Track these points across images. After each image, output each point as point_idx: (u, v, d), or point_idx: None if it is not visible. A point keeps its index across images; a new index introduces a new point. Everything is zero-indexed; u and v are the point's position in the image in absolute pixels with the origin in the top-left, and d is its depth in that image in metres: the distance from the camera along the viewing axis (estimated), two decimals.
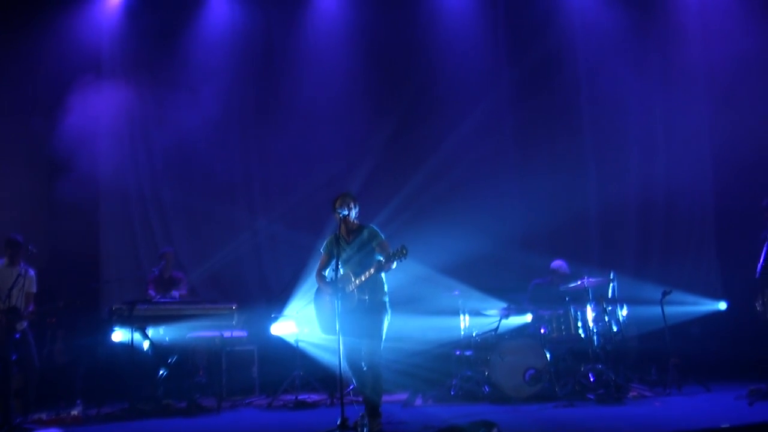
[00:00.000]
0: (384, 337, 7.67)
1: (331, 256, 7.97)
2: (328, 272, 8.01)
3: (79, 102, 12.59)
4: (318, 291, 8.09)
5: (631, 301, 10.41)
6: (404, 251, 7.17)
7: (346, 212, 7.82)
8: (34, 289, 9.83)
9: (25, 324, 9.54)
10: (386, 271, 7.50)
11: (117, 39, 13.43)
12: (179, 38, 13.47)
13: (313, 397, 10.49)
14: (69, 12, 13.05)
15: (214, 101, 13.23)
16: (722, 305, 11.75)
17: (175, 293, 10.97)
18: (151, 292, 10.96)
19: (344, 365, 7.63)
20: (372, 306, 7.59)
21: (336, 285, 7.64)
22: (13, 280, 9.41)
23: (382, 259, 7.45)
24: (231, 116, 13.50)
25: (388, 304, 7.73)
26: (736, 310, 11.49)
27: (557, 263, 11.01)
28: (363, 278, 7.52)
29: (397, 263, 7.27)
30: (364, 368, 7.63)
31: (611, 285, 10.00)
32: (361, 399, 7.80)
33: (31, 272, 9.82)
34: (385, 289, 7.77)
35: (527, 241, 12.24)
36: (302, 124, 13.34)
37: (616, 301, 9.99)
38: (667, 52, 12.83)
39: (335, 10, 13.61)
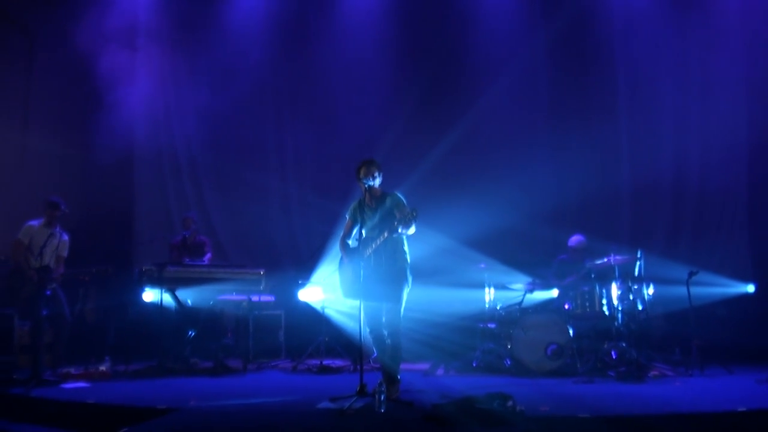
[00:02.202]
0: (404, 304, 7.72)
1: (355, 222, 8.02)
2: (351, 239, 8.08)
3: (115, 66, 12.76)
4: (342, 256, 8.16)
5: (658, 281, 10.33)
6: (414, 213, 7.20)
7: (371, 182, 7.85)
8: (65, 254, 10.10)
9: (54, 285, 9.77)
10: (399, 234, 7.54)
11: (154, 5, 13.55)
12: (215, 5, 13.57)
13: (337, 362, 10.68)
14: None
15: (247, 68, 13.36)
16: (751, 288, 11.64)
17: (206, 257, 11.16)
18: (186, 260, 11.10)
19: (365, 332, 7.75)
20: (390, 272, 7.64)
21: (357, 250, 7.72)
22: (46, 240, 9.67)
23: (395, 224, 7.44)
24: (264, 83, 13.62)
25: (408, 272, 7.76)
26: (765, 293, 11.40)
27: (574, 238, 11.00)
28: (378, 242, 7.59)
29: (408, 227, 7.31)
30: (386, 335, 7.73)
31: (638, 263, 9.93)
32: (380, 366, 7.89)
33: (65, 236, 10.10)
34: (407, 257, 7.82)
35: (556, 216, 12.16)
36: (335, 92, 13.47)
37: (643, 279, 9.93)
38: (705, 28, 12.58)
39: None
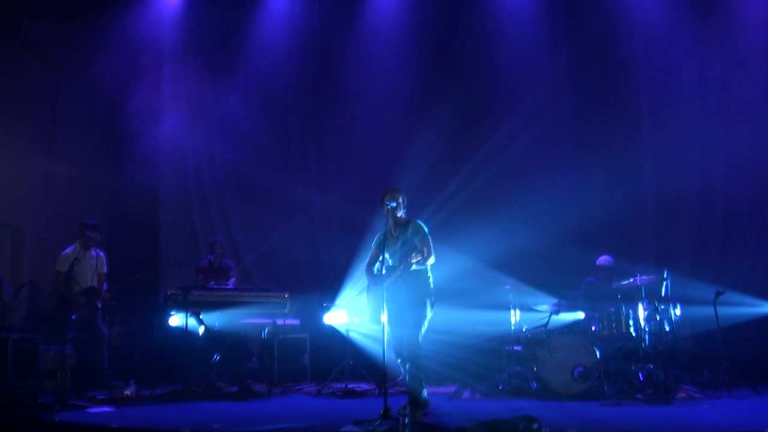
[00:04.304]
0: (423, 330, 7.80)
1: (380, 251, 8.08)
2: (377, 266, 8.08)
3: (140, 93, 12.91)
4: (369, 283, 8.22)
5: (685, 301, 10.25)
6: (425, 253, 7.57)
7: (394, 204, 7.93)
8: (105, 270, 10.35)
9: (99, 303, 10.05)
10: (414, 268, 7.68)
11: (178, 33, 13.72)
12: (239, 24, 13.75)
13: (363, 386, 10.66)
14: (133, 1, 13.39)
15: (272, 88, 13.48)
16: None
17: (231, 281, 11.21)
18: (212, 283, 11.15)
19: (390, 356, 7.76)
20: (410, 298, 7.75)
21: (380, 278, 7.79)
22: (86, 263, 9.88)
23: (412, 257, 7.61)
24: (289, 103, 13.77)
25: (429, 299, 7.85)
26: None
27: (602, 258, 10.93)
28: (397, 273, 7.73)
29: (422, 263, 7.66)
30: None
31: (664, 283, 9.84)
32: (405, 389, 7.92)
33: (102, 254, 10.44)
34: (430, 284, 7.93)
35: (581, 237, 12.04)
36: (359, 113, 13.57)
37: (669, 300, 9.83)
38: (729, 42, 12.48)
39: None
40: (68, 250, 10.26)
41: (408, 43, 13.46)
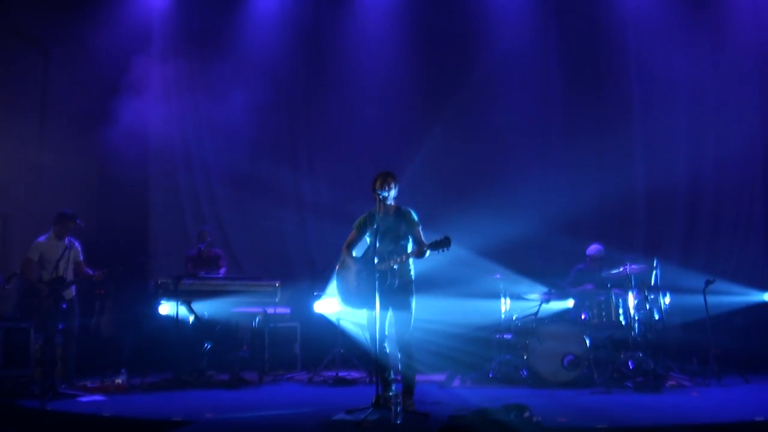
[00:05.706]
0: (413, 318, 7.64)
1: (361, 233, 7.92)
2: (356, 248, 7.96)
3: (130, 81, 12.85)
4: (343, 264, 7.98)
5: (675, 290, 10.30)
6: (447, 242, 7.21)
7: (386, 194, 7.74)
8: (81, 257, 10.25)
9: (73, 292, 9.93)
10: (421, 258, 7.49)
11: (169, 21, 13.68)
12: (230, 12, 13.70)
13: (353, 374, 10.67)
14: None
15: (262, 77, 13.44)
16: (767, 296, 11.55)
17: (221, 270, 11.20)
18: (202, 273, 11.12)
19: (365, 339, 7.74)
20: (397, 284, 7.51)
21: (366, 261, 7.68)
22: (60, 252, 9.76)
23: (422, 246, 7.41)
24: (279, 93, 13.73)
25: (413, 286, 7.69)
26: None
27: (593, 247, 10.96)
28: (398, 260, 7.49)
29: (437, 252, 7.28)
30: (394, 347, 7.67)
31: (654, 272, 9.87)
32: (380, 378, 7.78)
33: (77, 243, 10.26)
34: (412, 272, 7.74)
35: (572, 226, 12.04)
36: (350, 102, 13.52)
37: (659, 288, 9.87)
38: (718, 33, 12.52)
39: None
40: (42, 238, 10.08)
41: (399, 31, 13.39)
